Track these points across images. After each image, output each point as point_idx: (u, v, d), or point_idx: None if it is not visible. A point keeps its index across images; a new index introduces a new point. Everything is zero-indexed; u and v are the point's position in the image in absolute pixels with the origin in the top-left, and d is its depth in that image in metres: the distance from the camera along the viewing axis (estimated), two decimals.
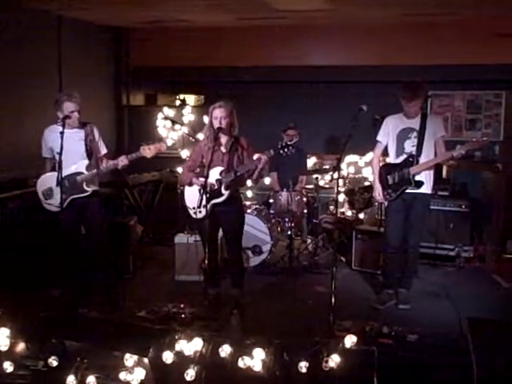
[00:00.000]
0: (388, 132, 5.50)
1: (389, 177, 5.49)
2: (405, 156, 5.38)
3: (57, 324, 4.23)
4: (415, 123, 5.34)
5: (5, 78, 6.60)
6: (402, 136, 5.40)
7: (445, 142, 5.40)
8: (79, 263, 5.49)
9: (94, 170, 5.31)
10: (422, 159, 5.31)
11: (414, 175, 5.31)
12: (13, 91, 6.73)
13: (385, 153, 5.65)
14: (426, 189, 5.39)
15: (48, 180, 5.28)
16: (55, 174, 5.03)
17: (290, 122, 7.23)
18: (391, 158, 5.53)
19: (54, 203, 5.22)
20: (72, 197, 5.30)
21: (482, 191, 7.50)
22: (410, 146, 5.37)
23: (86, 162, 5.31)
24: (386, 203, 5.68)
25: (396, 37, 7.91)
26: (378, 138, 5.59)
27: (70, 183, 5.27)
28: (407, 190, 5.36)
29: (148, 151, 5.16)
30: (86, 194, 5.35)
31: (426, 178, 5.37)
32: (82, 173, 5.27)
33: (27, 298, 5.19)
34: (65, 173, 5.21)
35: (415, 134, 5.33)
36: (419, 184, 5.33)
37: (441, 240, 6.78)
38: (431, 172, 5.42)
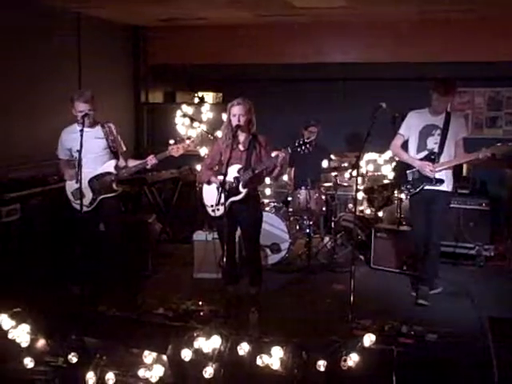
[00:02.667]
0: (410, 126, 5.49)
1: (408, 172, 5.49)
2: (426, 152, 5.37)
3: (76, 321, 4.25)
4: (439, 120, 5.33)
5: (25, 76, 6.66)
6: (425, 132, 5.39)
7: (466, 140, 5.38)
8: (98, 260, 5.53)
9: (124, 170, 5.35)
10: (444, 157, 5.31)
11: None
12: (33, 89, 6.79)
13: (405, 148, 5.62)
14: (447, 187, 5.38)
15: None
16: (84, 174, 5.07)
17: (311, 119, 7.19)
18: (412, 154, 5.50)
19: (84, 203, 5.22)
20: (101, 197, 5.35)
21: (502, 189, 7.43)
22: (432, 142, 5.35)
23: (114, 162, 5.36)
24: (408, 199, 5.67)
25: (415, 33, 7.87)
26: (400, 131, 5.57)
27: (100, 183, 5.32)
28: (427, 187, 5.36)
29: (176, 150, 5.21)
30: (116, 193, 5.39)
31: (448, 176, 5.37)
32: (111, 173, 5.32)
33: (47, 295, 5.24)
34: (93, 173, 5.27)
35: (439, 131, 5.32)
36: (440, 181, 5.31)
37: (461, 239, 6.71)
38: (451, 170, 5.41)
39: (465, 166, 7.41)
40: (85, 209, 5.25)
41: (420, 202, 5.48)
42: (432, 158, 5.31)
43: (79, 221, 5.26)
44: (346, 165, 7.39)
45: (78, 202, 5.05)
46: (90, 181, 5.33)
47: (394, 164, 7.27)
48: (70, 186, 5.39)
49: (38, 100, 6.86)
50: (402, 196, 6.82)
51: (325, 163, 7.33)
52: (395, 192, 6.98)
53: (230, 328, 4.25)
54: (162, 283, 6.09)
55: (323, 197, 7.02)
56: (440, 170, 5.30)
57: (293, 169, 7.40)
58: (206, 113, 8.19)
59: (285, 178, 7.46)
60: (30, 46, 6.74)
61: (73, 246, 5.75)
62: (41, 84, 6.90)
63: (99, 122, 5.38)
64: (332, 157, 7.57)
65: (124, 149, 5.57)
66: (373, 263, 6.64)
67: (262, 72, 8.57)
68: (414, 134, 5.47)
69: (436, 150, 5.31)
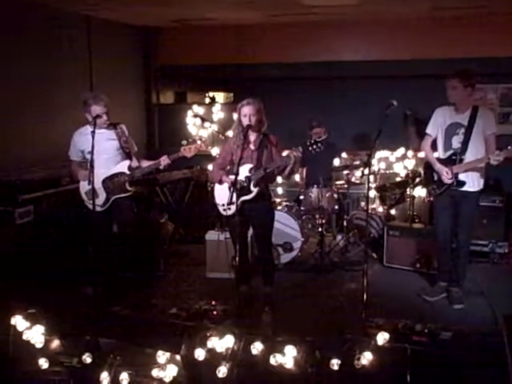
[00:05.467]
0: (436, 125, 5.34)
1: (434, 172, 5.36)
2: (452, 152, 5.21)
3: (90, 321, 4.28)
4: (464, 118, 5.15)
5: (36, 79, 6.70)
6: (450, 131, 5.23)
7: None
8: (111, 261, 5.55)
9: (137, 170, 5.38)
10: (469, 157, 5.12)
11: (456, 174, 5.15)
12: (44, 91, 6.84)
13: (434, 147, 5.46)
14: (473, 186, 5.22)
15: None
16: (97, 174, 5.10)
17: (313, 121, 7.12)
18: (439, 153, 5.36)
19: (97, 203, 5.27)
20: (115, 197, 5.39)
21: None
22: (457, 142, 5.19)
23: (127, 162, 5.39)
24: (432, 199, 5.58)
25: (426, 30, 7.83)
26: (427, 130, 5.43)
27: (113, 183, 5.35)
28: (455, 187, 5.21)
29: (188, 151, 5.23)
30: (128, 193, 5.42)
31: (474, 176, 5.19)
32: (124, 173, 5.36)
33: (61, 296, 5.27)
34: (107, 174, 5.30)
35: (463, 130, 5.14)
36: (461, 184, 5.17)
37: (474, 236, 6.65)
38: (482, 169, 5.21)
39: None
40: (98, 209, 5.29)
41: (446, 201, 5.33)
42: (453, 158, 5.16)
43: (92, 221, 5.30)
44: (357, 163, 7.37)
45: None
46: (104, 181, 5.37)
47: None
48: (84, 186, 5.41)
49: (50, 102, 6.90)
50: (415, 193, 6.81)
51: (336, 161, 7.31)
52: (407, 189, 6.94)
53: (243, 327, 4.25)
54: (175, 283, 6.10)
55: (335, 195, 6.99)
56: (461, 171, 5.14)
57: (304, 168, 7.37)
58: (217, 113, 8.21)
59: (296, 177, 7.45)
60: (42, 48, 6.78)
61: (86, 246, 5.78)
62: (53, 86, 6.94)
63: (112, 124, 5.41)
64: (343, 154, 7.55)
65: (136, 149, 5.61)
66: (386, 261, 6.62)
67: (272, 71, 8.56)
68: (440, 133, 5.31)
69: (459, 149, 5.14)
